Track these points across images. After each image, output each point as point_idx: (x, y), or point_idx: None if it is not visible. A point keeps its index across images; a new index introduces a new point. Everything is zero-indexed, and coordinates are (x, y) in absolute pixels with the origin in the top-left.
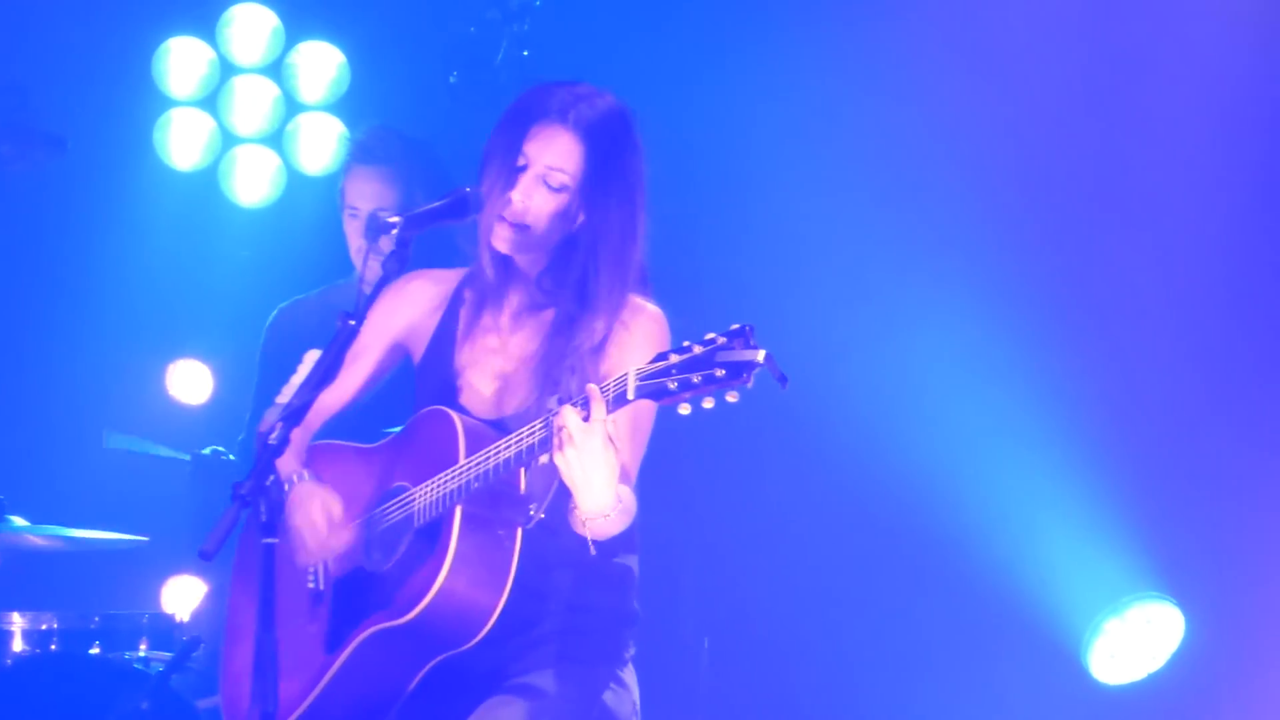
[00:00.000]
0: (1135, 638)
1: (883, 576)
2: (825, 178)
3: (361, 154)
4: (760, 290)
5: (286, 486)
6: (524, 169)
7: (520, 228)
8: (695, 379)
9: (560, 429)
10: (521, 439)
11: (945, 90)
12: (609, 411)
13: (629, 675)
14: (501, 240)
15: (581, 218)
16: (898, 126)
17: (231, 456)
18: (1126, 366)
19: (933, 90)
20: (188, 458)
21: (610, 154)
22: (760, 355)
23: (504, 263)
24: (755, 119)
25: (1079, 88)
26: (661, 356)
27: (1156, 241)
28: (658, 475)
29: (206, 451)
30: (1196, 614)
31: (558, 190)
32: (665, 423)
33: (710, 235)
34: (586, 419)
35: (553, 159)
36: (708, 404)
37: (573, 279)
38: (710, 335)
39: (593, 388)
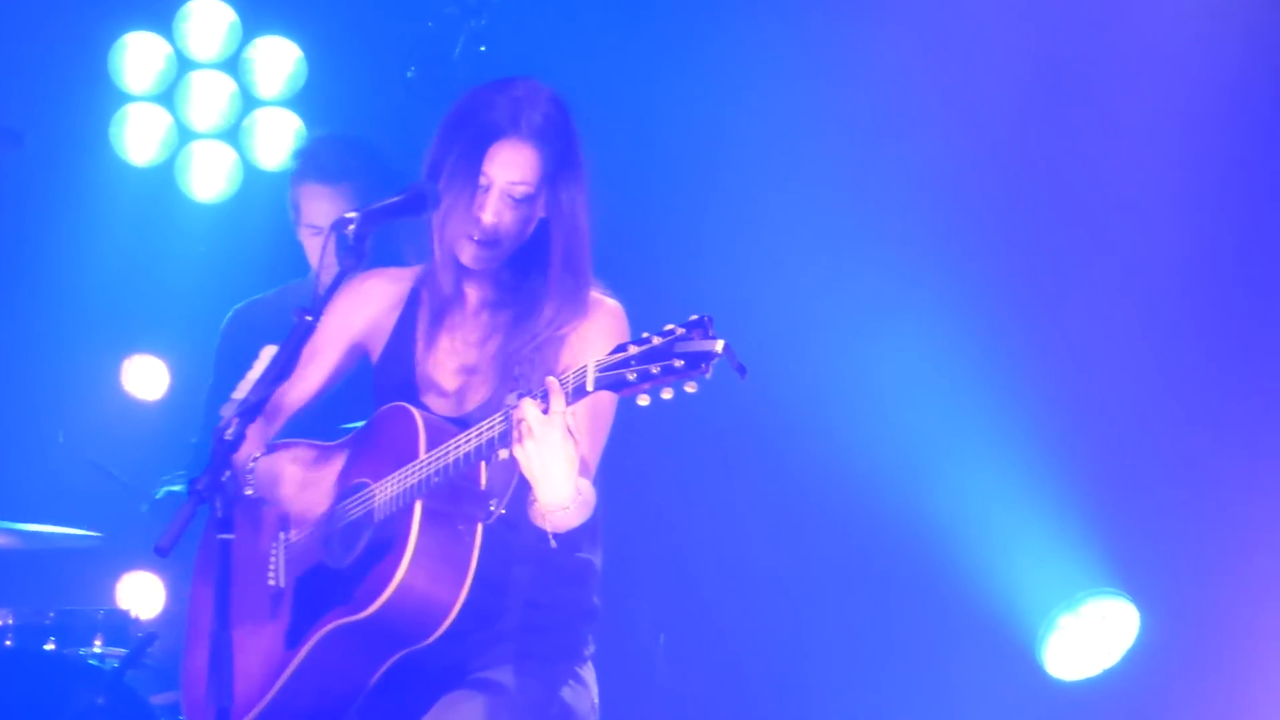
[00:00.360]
0: (1090, 634)
1: (840, 573)
2: (785, 171)
3: (318, 172)
4: (721, 282)
5: (249, 463)
6: (488, 189)
7: (491, 244)
8: (654, 370)
9: (519, 422)
10: (481, 433)
11: (911, 86)
12: (568, 404)
13: (588, 672)
14: (472, 258)
15: (541, 215)
16: (862, 120)
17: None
18: (1083, 364)
19: (898, 85)
20: (145, 508)
21: (562, 151)
22: (719, 346)
23: (461, 270)
24: (714, 111)
25: (1043, 88)
26: (620, 348)
27: (1114, 238)
28: (616, 469)
29: (160, 495)
30: (1151, 610)
31: (522, 201)
32: (625, 415)
33: (670, 227)
34: (546, 411)
35: (515, 174)
36: (666, 395)
37: (531, 274)
38: (669, 326)
39: (552, 380)
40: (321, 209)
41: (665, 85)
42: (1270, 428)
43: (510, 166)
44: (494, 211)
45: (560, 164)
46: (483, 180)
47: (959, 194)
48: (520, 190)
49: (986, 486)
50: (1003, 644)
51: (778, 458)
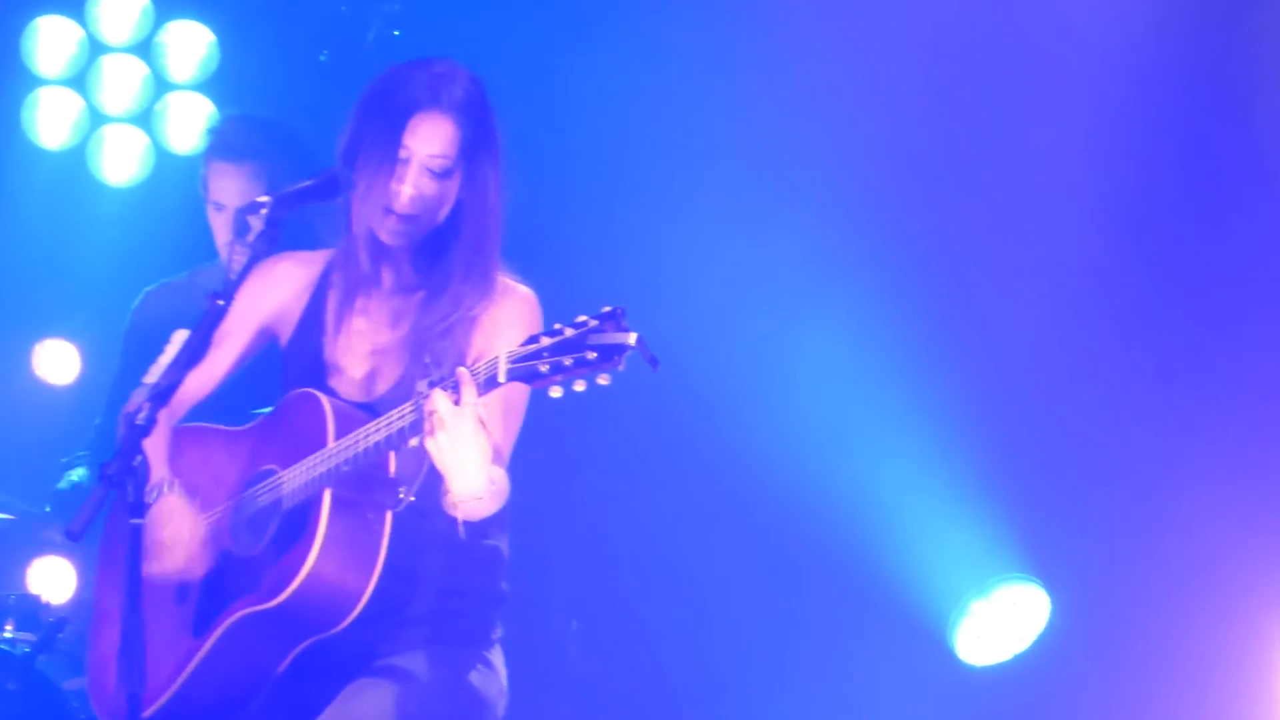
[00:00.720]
0: (1001, 619)
1: (753, 559)
2: (698, 159)
3: (226, 150)
4: (632, 270)
5: (163, 489)
6: (407, 161)
7: (410, 219)
8: (567, 361)
9: (431, 413)
10: (391, 422)
11: (825, 76)
12: (480, 395)
13: (496, 657)
14: (390, 233)
15: (458, 195)
16: (777, 108)
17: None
18: (994, 349)
19: (813, 75)
20: (48, 508)
21: (480, 129)
22: (631, 338)
23: (378, 248)
24: (628, 98)
25: (959, 79)
26: (533, 339)
27: (1024, 224)
28: (527, 454)
29: (64, 485)
30: (1061, 595)
31: (442, 176)
32: (538, 402)
33: (581, 214)
34: (457, 403)
35: (435, 147)
36: (579, 387)
37: (443, 259)
38: (582, 318)
39: (463, 371)
40: (227, 187)
41: (578, 72)
42: (1180, 413)
43: (430, 139)
44: (413, 183)
45: (478, 141)
46: (402, 153)
47: (868, 181)
48: (439, 164)
49: (898, 472)
50: (915, 629)
51: (690, 445)
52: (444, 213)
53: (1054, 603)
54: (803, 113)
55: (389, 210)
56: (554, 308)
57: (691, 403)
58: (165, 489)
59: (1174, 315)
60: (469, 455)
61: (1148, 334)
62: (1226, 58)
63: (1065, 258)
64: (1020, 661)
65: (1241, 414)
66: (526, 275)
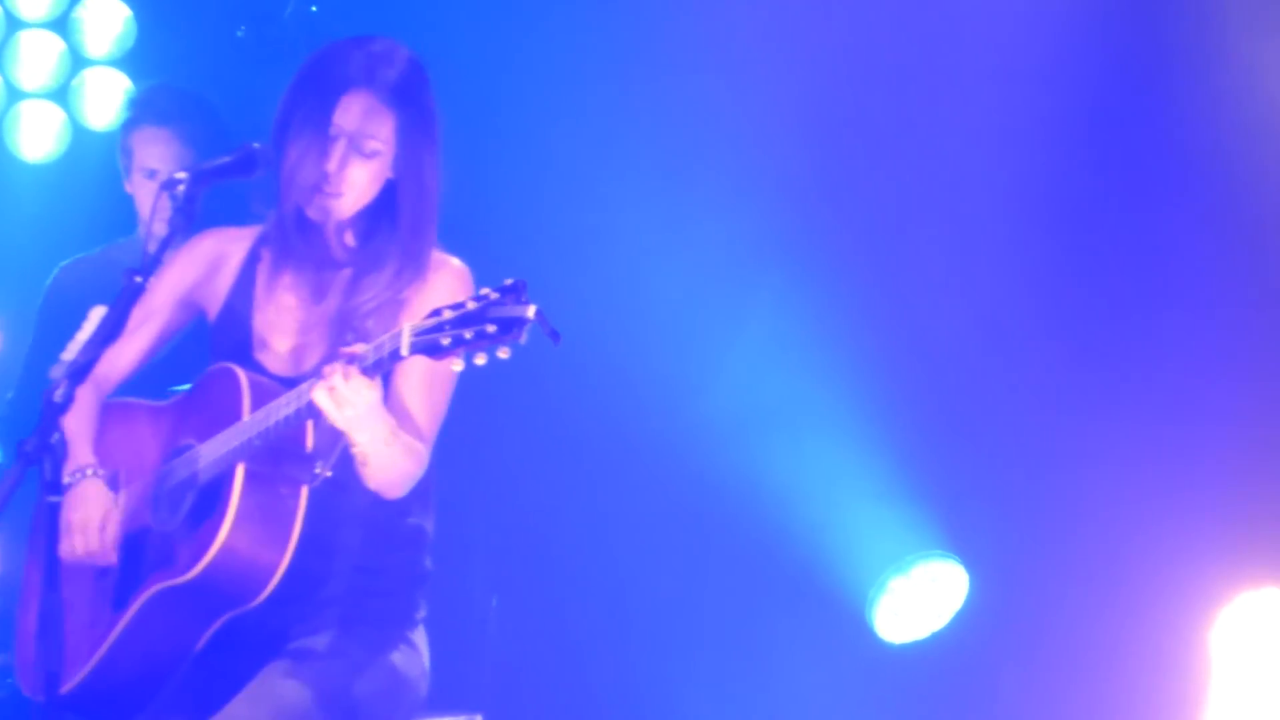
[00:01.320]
0: (920, 596)
1: (671, 539)
2: (619, 144)
3: (153, 115)
4: (555, 250)
5: (85, 473)
6: (336, 139)
7: (338, 197)
8: (467, 334)
9: (330, 386)
10: (301, 395)
11: (747, 70)
12: (384, 368)
13: (419, 636)
14: (318, 210)
15: (389, 175)
16: (694, 99)
17: None
18: (909, 327)
19: (736, 69)
20: None
21: (415, 111)
22: (531, 311)
23: (307, 224)
24: (550, 83)
25: (877, 74)
26: (435, 312)
27: (939, 208)
28: (451, 433)
29: None
30: (980, 571)
31: (371, 156)
32: (463, 383)
33: (504, 198)
34: (360, 374)
35: (366, 127)
36: (480, 360)
37: (374, 236)
38: (484, 291)
39: (364, 345)
40: (155, 152)
41: (501, 55)
42: (1097, 391)
43: (360, 119)
44: (340, 162)
45: (413, 125)
46: (332, 131)
47: (785, 163)
48: (369, 145)
49: (818, 450)
50: (834, 607)
51: (612, 424)
52: (372, 192)
53: (972, 579)
54: (725, 98)
55: (317, 188)
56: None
57: (613, 382)
58: (87, 473)
59: (1092, 294)
60: (370, 427)
61: (1065, 312)
62: (1143, 50)
63: (982, 238)
64: (939, 638)
65: (1158, 392)
66: (457, 247)
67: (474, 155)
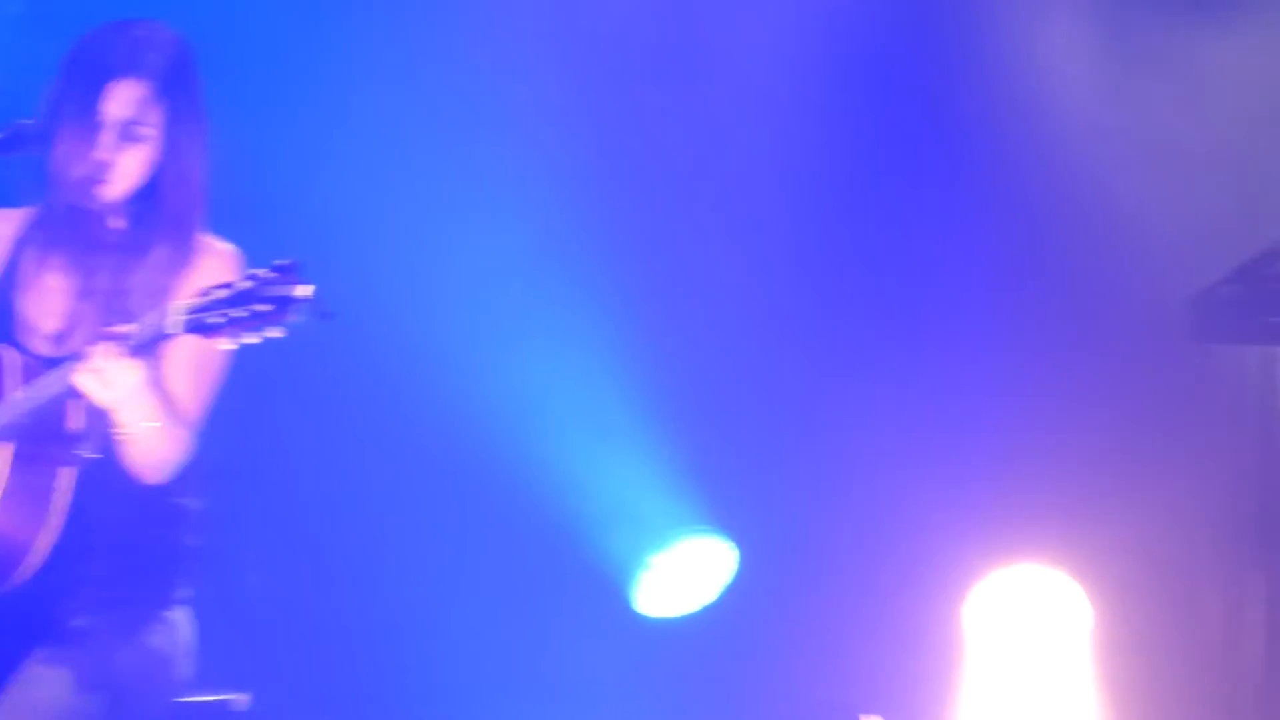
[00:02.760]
0: (686, 573)
1: (440, 519)
2: (404, 130)
3: None
4: (335, 240)
5: None
6: (103, 126)
7: (105, 183)
8: (239, 314)
9: (94, 368)
10: (65, 376)
11: (533, 65)
12: (153, 347)
13: (181, 615)
14: (88, 196)
15: (158, 159)
16: (481, 94)
17: None
18: (675, 302)
19: (521, 63)
20: None
21: (183, 96)
22: (304, 291)
23: (76, 209)
24: (336, 64)
25: (656, 68)
26: (205, 291)
27: (705, 197)
28: (225, 413)
29: None
30: (745, 548)
31: (140, 142)
32: (238, 362)
33: (283, 177)
34: (124, 354)
35: (133, 113)
36: (252, 339)
37: (143, 220)
38: (257, 270)
39: (129, 325)
40: None
41: (279, 36)
42: (855, 369)
43: (127, 106)
44: (109, 150)
45: (180, 109)
46: (99, 118)
47: (558, 164)
48: (137, 131)
49: (583, 428)
50: (599, 584)
51: (384, 406)
52: (141, 177)
53: (739, 555)
54: (512, 92)
55: (86, 175)
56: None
57: (389, 366)
58: None
59: (852, 277)
60: (137, 408)
61: (826, 297)
62: (919, 48)
63: (741, 228)
64: (705, 614)
65: (918, 372)
66: (230, 237)
67: (251, 139)
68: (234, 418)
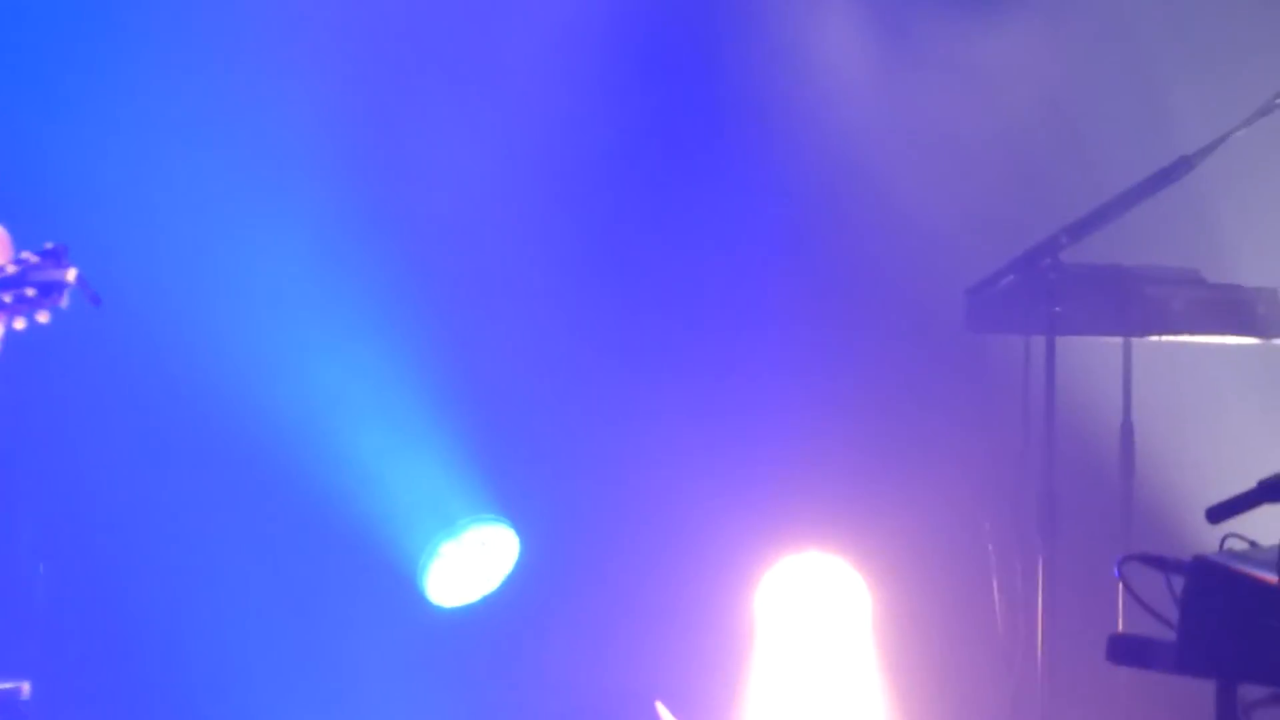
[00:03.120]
0: (471, 560)
1: (232, 509)
2: (189, 120)
3: None
4: (114, 227)
5: None
6: None
7: None
8: (6, 299)
9: None
10: None
11: (325, 62)
12: None
13: None
14: None
15: None
16: (273, 88)
17: None
18: (459, 292)
19: (313, 61)
20: None
21: None
22: (71, 274)
23: None
24: (120, 52)
25: (442, 70)
26: None
27: (491, 207)
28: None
29: None
30: (528, 534)
31: None
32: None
33: (59, 164)
34: None
35: None
36: (19, 325)
37: None
38: (24, 254)
39: None
40: None
41: (68, 22)
42: (645, 360)
43: None
44: None
45: None
46: None
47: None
48: None
49: (369, 417)
50: (385, 573)
51: (161, 392)
52: None
53: (522, 542)
54: (301, 89)
55: None
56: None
57: (176, 357)
58: None
59: (640, 269)
60: None
61: (612, 284)
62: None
63: (530, 216)
64: (490, 601)
65: (710, 364)
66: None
67: (31, 126)
68: (29, 406)
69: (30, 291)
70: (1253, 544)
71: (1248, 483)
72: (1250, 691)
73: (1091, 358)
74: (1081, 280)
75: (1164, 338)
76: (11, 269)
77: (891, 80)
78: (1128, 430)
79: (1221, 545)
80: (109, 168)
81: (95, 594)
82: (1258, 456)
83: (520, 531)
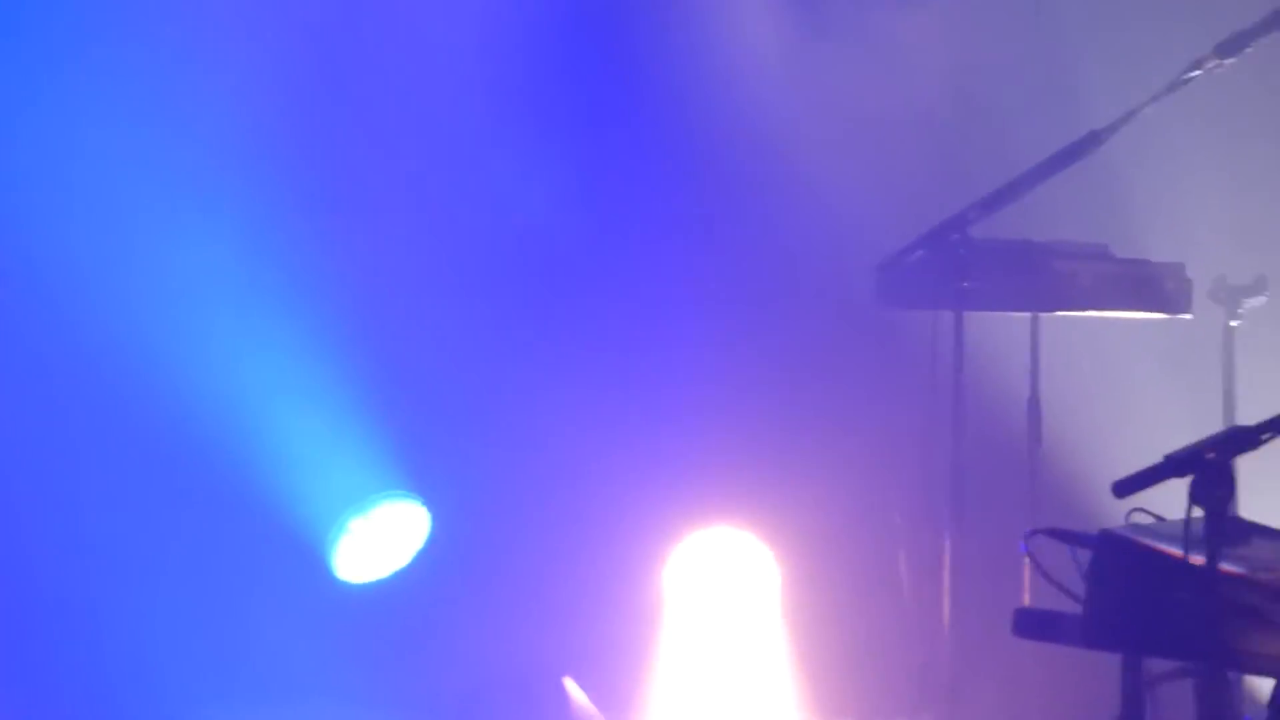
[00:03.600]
0: (381, 536)
1: (131, 480)
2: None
3: None
4: (21, 193)
5: None
6: None
7: None
8: None
9: None
10: None
11: (223, 66)
12: None
13: None
14: None
15: None
16: (172, 89)
17: None
18: (369, 266)
19: (211, 64)
20: None
21: None
22: None
23: None
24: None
25: (346, 68)
26: None
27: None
28: None
29: None
30: (439, 510)
31: None
32: None
33: None
34: None
35: None
36: None
37: None
38: None
39: None
40: None
41: None
42: (554, 337)
43: None
44: None
45: None
46: None
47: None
48: None
49: (278, 391)
50: (294, 549)
51: (80, 368)
52: None
53: (432, 517)
54: (196, 92)
55: None
56: None
57: (74, 330)
58: None
59: (544, 243)
60: None
61: (517, 258)
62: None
63: (440, 198)
64: (400, 577)
65: (621, 336)
66: None
67: None
68: None
69: None
70: (1159, 518)
71: (1154, 457)
72: (1155, 665)
73: (1000, 333)
74: (990, 255)
75: (1072, 313)
76: None
77: (802, 55)
78: (1035, 405)
79: (1127, 519)
80: (20, 154)
81: (5, 578)
82: (1164, 431)
83: (431, 507)
